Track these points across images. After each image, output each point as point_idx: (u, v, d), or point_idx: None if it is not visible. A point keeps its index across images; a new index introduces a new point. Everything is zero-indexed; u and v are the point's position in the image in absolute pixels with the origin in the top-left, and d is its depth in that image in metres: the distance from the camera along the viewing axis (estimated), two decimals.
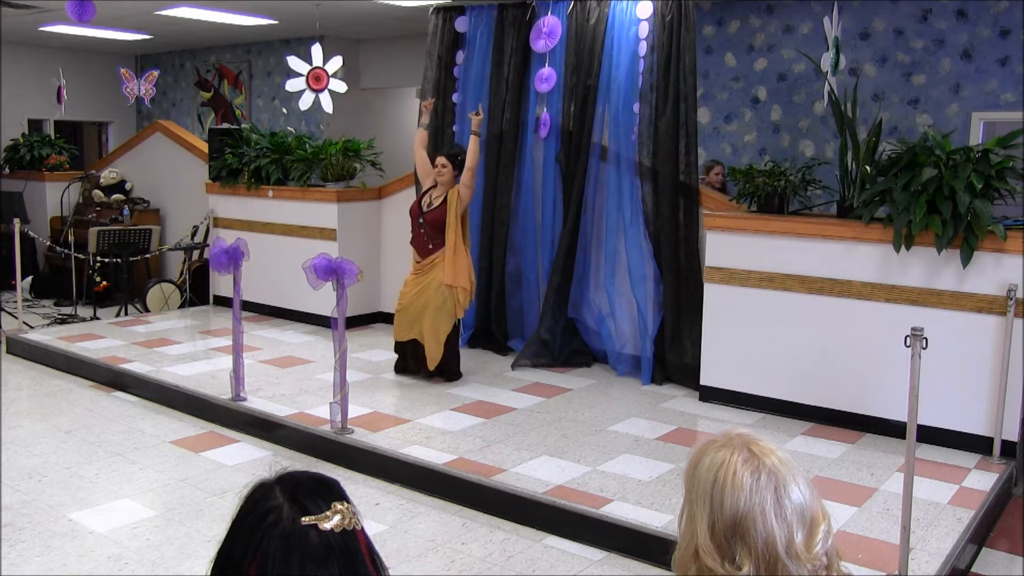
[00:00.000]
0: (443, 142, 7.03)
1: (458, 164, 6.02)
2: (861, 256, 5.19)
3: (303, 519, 1.18)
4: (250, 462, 4.98)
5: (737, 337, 5.67)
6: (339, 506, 1.20)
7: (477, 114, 6.07)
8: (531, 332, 6.85)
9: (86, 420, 5.64)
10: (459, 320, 6.16)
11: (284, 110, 11.30)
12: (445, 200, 5.96)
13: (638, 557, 3.85)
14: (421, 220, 6.03)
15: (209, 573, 1.23)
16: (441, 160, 6.01)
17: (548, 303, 6.67)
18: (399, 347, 6.27)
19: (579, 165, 6.51)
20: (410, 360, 6.24)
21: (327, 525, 1.18)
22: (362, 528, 1.23)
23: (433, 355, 6.03)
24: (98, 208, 10.13)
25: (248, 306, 8.19)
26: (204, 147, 9.33)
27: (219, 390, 5.83)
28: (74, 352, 6.87)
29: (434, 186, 6.09)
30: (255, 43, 11.72)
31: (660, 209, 6.20)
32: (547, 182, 6.83)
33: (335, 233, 7.86)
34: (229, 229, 8.56)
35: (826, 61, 5.68)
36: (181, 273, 9.28)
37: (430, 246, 6.00)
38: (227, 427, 5.52)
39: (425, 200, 6.08)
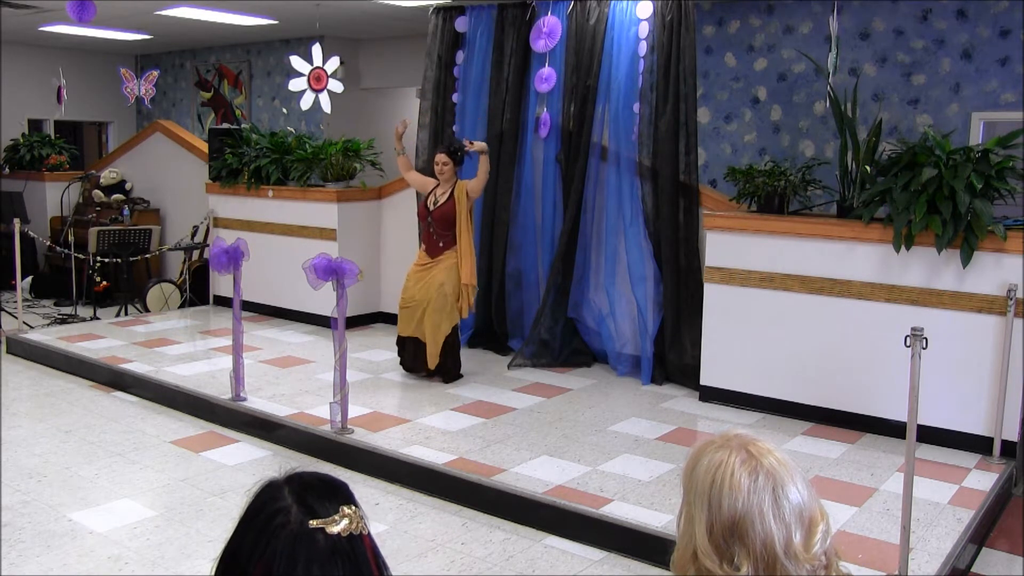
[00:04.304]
0: (442, 141, 7.02)
1: (458, 159, 6.03)
2: (861, 256, 5.19)
3: (311, 522, 1.18)
4: (250, 462, 4.98)
5: (737, 337, 5.67)
6: (347, 510, 1.20)
7: (471, 144, 6.01)
8: (530, 332, 6.84)
9: (86, 420, 5.64)
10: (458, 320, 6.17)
11: (284, 110, 11.29)
12: (451, 195, 5.97)
13: (638, 557, 3.85)
14: (429, 219, 6.03)
15: (213, 572, 1.23)
16: (441, 157, 6.02)
17: (547, 303, 6.67)
18: (400, 342, 6.26)
19: (579, 165, 6.51)
20: (408, 357, 6.24)
21: (335, 529, 1.18)
22: (368, 532, 1.23)
23: (433, 354, 6.04)
24: (98, 208, 10.13)
25: (248, 306, 8.18)
26: (204, 147, 9.33)
27: (219, 390, 5.83)
28: (74, 352, 6.87)
29: (436, 185, 6.10)
30: (255, 43, 11.71)
31: (660, 209, 6.19)
32: (547, 182, 6.83)
33: (335, 233, 7.86)
34: (229, 229, 8.56)
35: (831, 61, 5.69)
36: (181, 273, 9.28)
37: (440, 244, 6.01)
38: (227, 427, 5.52)
39: (430, 199, 6.08)
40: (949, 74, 6.87)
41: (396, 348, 6.35)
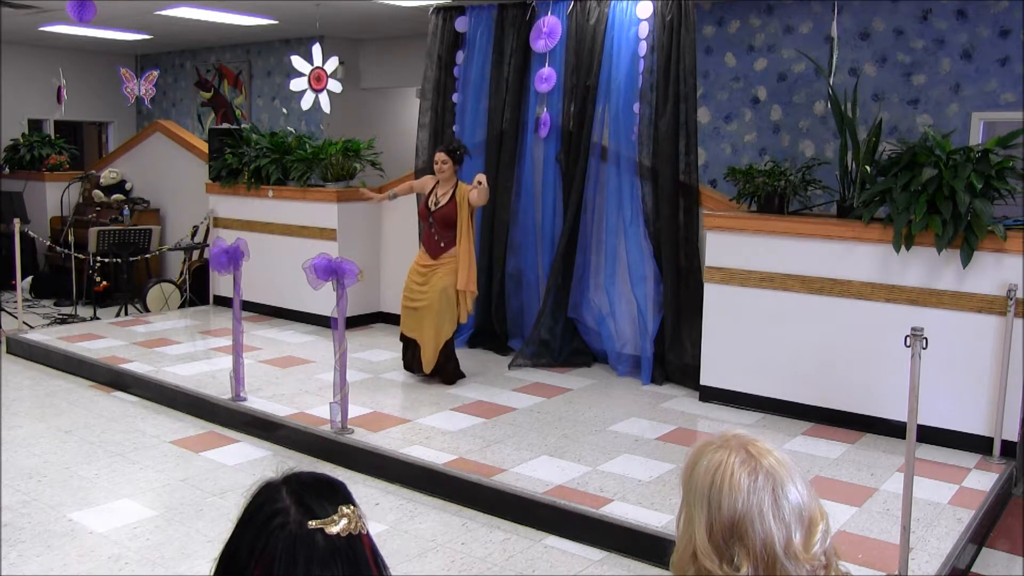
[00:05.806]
0: (442, 141, 7.02)
1: (457, 158, 6.01)
2: (861, 256, 5.19)
3: (310, 522, 1.18)
4: (250, 462, 4.98)
5: (737, 337, 5.67)
6: (345, 510, 1.20)
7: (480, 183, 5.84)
8: (530, 332, 6.84)
9: (86, 420, 5.64)
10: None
11: (284, 110, 11.29)
12: (452, 196, 5.96)
13: (638, 557, 3.85)
14: (430, 219, 6.02)
15: (212, 572, 1.23)
16: (441, 156, 6.00)
17: (547, 303, 6.67)
18: (403, 339, 6.25)
19: (579, 165, 6.51)
20: (409, 356, 6.24)
21: (334, 529, 1.18)
22: (367, 532, 1.23)
23: (429, 359, 6.02)
24: (98, 208, 10.13)
25: (248, 306, 8.19)
26: (204, 147, 9.33)
27: (219, 390, 5.83)
28: (74, 352, 6.87)
29: (437, 184, 6.09)
30: (255, 43, 11.71)
31: (660, 209, 6.19)
32: (547, 182, 6.83)
33: (335, 233, 7.86)
34: (229, 229, 8.56)
35: (832, 61, 5.71)
36: (181, 273, 9.28)
37: (441, 244, 5.99)
38: (227, 427, 5.52)
39: (431, 199, 6.06)
40: (949, 74, 6.87)
41: (401, 347, 6.35)
